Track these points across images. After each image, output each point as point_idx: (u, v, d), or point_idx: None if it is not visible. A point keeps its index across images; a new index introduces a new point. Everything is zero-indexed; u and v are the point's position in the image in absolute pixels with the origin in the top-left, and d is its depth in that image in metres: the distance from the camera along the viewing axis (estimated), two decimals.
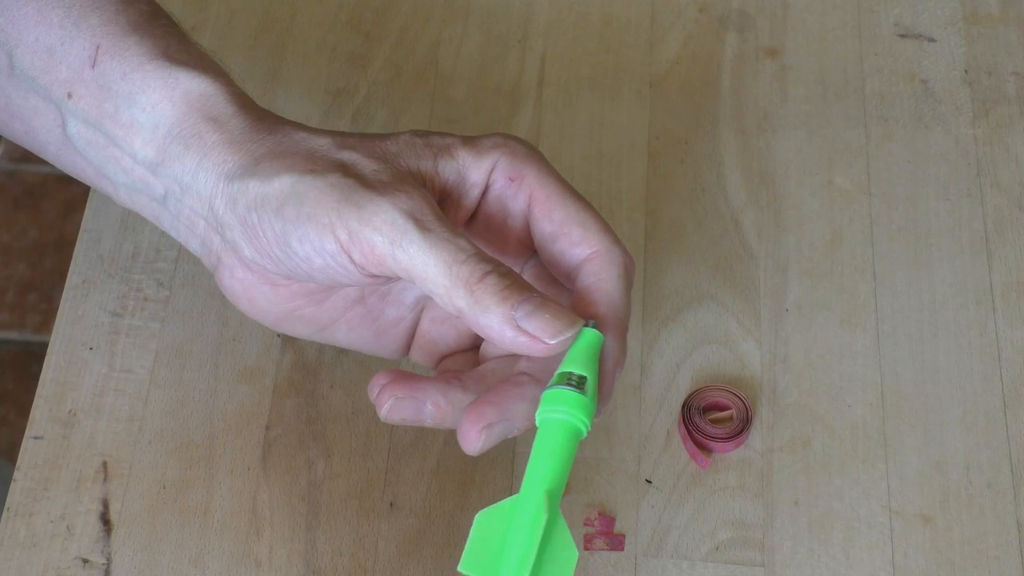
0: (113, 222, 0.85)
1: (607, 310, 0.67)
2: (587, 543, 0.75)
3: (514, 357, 0.69)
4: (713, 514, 0.76)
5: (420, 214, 0.65)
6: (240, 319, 0.81)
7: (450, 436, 0.78)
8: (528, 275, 0.71)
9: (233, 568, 0.74)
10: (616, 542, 0.75)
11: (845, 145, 0.89)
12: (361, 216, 0.64)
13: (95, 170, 0.70)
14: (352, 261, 0.65)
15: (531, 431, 0.66)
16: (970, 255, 0.85)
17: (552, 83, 0.91)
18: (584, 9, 0.94)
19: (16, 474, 0.77)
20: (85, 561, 0.74)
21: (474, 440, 0.65)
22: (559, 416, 0.64)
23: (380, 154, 0.68)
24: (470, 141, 0.69)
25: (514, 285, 0.64)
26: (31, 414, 0.79)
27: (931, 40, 0.93)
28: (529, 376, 0.67)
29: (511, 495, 0.76)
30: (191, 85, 0.68)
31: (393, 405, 0.67)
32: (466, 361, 0.71)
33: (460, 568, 0.64)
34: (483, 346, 0.71)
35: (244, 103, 0.69)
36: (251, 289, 0.69)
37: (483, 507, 0.75)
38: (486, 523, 0.64)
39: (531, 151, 0.70)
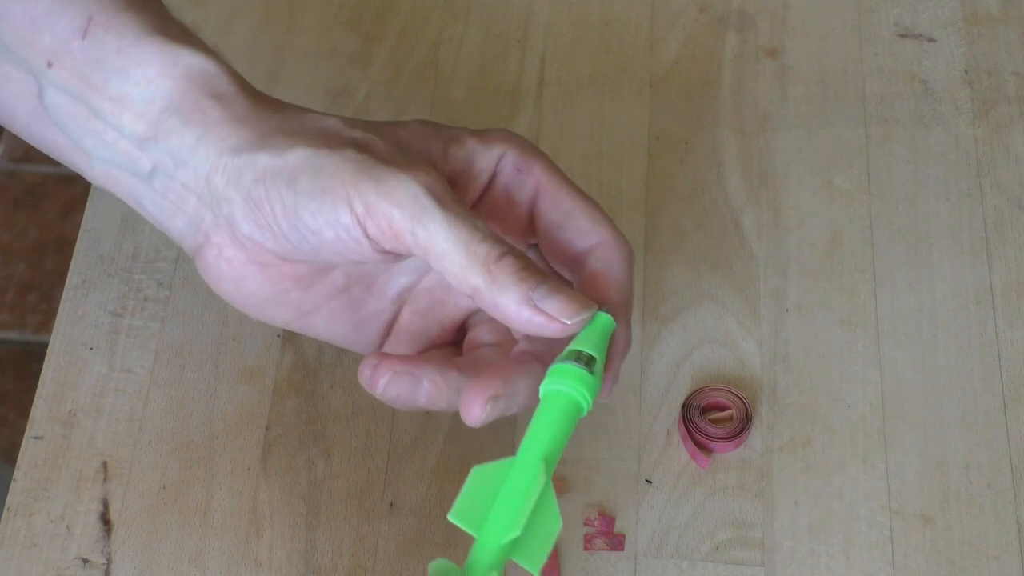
0: (113, 222, 0.85)
1: (616, 295, 0.69)
2: (587, 543, 0.75)
3: (505, 345, 0.70)
4: (713, 514, 0.76)
5: (439, 191, 0.65)
6: (240, 319, 0.81)
7: (450, 436, 0.78)
8: None
9: (233, 568, 0.74)
10: (616, 542, 0.75)
11: (845, 145, 0.89)
12: (380, 190, 0.65)
13: (71, 143, 0.70)
14: (366, 235, 0.66)
15: (529, 412, 0.66)
16: (970, 255, 0.85)
17: (552, 83, 0.91)
18: (584, 9, 0.94)
19: (16, 474, 0.77)
20: (85, 561, 0.74)
21: (479, 411, 0.66)
22: (564, 390, 0.65)
23: (390, 137, 0.68)
24: (478, 132, 0.71)
25: (530, 267, 0.65)
26: (31, 414, 0.79)
27: (931, 40, 0.93)
28: (531, 355, 0.68)
29: None
30: (192, 62, 0.68)
31: (390, 380, 0.67)
32: (448, 355, 0.71)
33: (450, 516, 0.64)
34: (469, 336, 0.72)
35: (245, 84, 0.69)
36: (238, 269, 0.69)
37: None
38: (480, 478, 0.65)
39: (535, 147, 0.72)
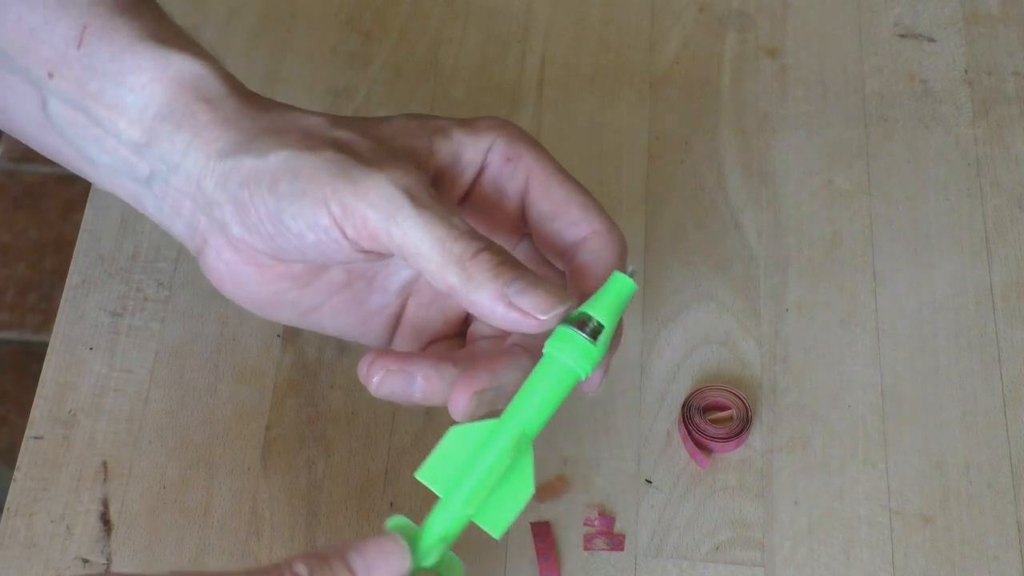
0: (113, 222, 0.85)
1: None
2: (587, 543, 0.75)
3: (503, 337, 0.70)
4: (713, 514, 0.76)
5: (415, 190, 0.65)
6: (240, 319, 0.81)
7: None
8: (519, 255, 0.71)
9: (233, 568, 0.74)
10: (616, 542, 0.75)
11: (845, 145, 0.89)
12: (356, 190, 0.65)
13: (75, 151, 0.70)
14: (345, 236, 0.65)
15: None
16: (970, 255, 0.85)
17: (552, 83, 0.91)
18: (584, 9, 0.94)
19: (16, 474, 0.77)
20: (85, 561, 0.74)
21: (464, 404, 0.65)
22: (562, 359, 0.64)
23: (374, 134, 0.68)
24: (466, 122, 0.70)
25: (507, 263, 0.65)
26: (31, 414, 0.79)
27: (931, 40, 0.93)
28: (522, 347, 0.68)
29: None
30: (183, 66, 0.68)
31: (384, 377, 0.67)
32: (451, 347, 0.71)
33: (417, 475, 0.64)
34: (470, 329, 0.71)
35: (235, 85, 0.69)
36: (236, 271, 0.69)
37: None
38: (456, 439, 0.65)
39: (526, 133, 0.71)
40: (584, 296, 0.66)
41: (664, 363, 0.81)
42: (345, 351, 0.80)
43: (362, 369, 0.68)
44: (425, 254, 0.64)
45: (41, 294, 1.76)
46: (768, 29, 0.93)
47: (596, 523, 0.76)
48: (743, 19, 0.94)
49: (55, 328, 0.81)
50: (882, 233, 0.85)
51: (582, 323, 0.65)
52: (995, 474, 0.77)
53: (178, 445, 0.78)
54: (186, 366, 0.80)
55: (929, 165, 0.88)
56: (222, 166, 0.67)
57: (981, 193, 0.87)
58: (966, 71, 0.92)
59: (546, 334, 0.66)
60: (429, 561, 0.64)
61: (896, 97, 0.90)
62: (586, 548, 0.75)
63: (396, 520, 0.64)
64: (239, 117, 0.68)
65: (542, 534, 0.75)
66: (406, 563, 0.63)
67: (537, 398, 0.65)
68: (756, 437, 0.79)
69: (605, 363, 0.67)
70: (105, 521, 0.75)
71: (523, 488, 0.65)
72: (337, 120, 0.68)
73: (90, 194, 0.86)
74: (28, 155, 1.85)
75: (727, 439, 0.78)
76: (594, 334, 0.64)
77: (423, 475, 0.64)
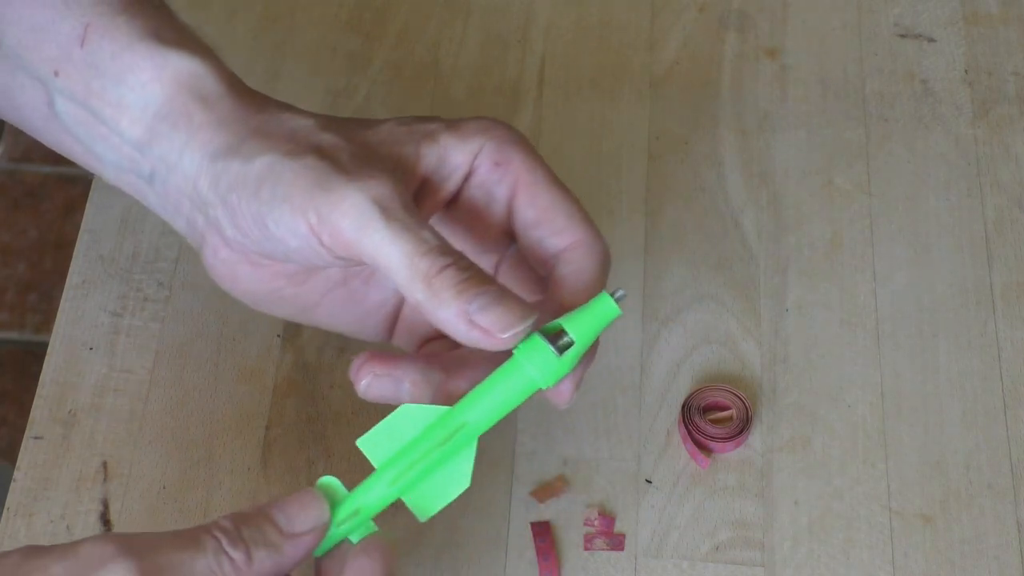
0: (113, 222, 0.85)
1: (584, 300, 0.67)
2: (587, 543, 0.75)
3: None
4: (713, 514, 0.76)
5: (388, 202, 0.65)
6: (240, 319, 0.81)
7: None
8: (508, 263, 0.71)
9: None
10: (616, 542, 0.75)
11: (845, 145, 0.89)
12: (330, 200, 0.65)
13: (83, 148, 0.71)
14: (322, 244, 0.66)
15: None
16: (970, 255, 0.85)
17: (552, 83, 0.91)
18: (584, 9, 0.94)
19: (16, 474, 0.77)
20: None
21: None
22: (527, 368, 0.64)
23: (360, 140, 0.68)
24: (454, 125, 0.69)
25: (472, 279, 0.64)
26: (31, 414, 0.79)
27: (931, 40, 0.93)
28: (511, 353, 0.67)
29: (510, 497, 0.76)
30: (180, 65, 0.68)
31: (371, 382, 0.67)
32: (448, 346, 0.71)
33: (358, 442, 0.65)
34: None
35: (233, 83, 0.69)
36: (234, 268, 0.69)
37: (482, 507, 0.76)
38: (404, 417, 0.65)
39: (517, 136, 0.70)
40: (559, 309, 0.66)
41: (664, 363, 0.81)
42: (345, 351, 0.80)
43: (352, 371, 0.68)
44: (394, 267, 0.64)
45: (41, 294, 1.76)
46: (768, 29, 0.93)
47: (596, 523, 0.76)
48: (743, 19, 0.94)
49: (55, 328, 0.81)
50: (882, 233, 0.85)
51: (556, 336, 0.65)
52: (995, 474, 0.77)
53: (178, 445, 0.78)
54: (186, 366, 0.80)
55: (929, 165, 0.88)
56: (214, 168, 0.67)
57: (981, 193, 0.87)
58: (966, 71, 0.92)
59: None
60: (341, 528, 0.65)
61: (896, 97, 0.90)
62: (586, 548, 0.75)
63: (326, 480, 0.65)
64: (233, 118, 0.68)
65: (542, 534, 0.75)
66: (324, 515, 0.64)
67: (492, 397, 0.65)
68: (756, 437, 0.79)
69: (577, 378, 0.66)
70: (105, 521, 0.75)
71: (459, 479, 0.65)
72: (327, 123, 0.68)
73: (90, 194, 0.86)
74: (28, 155, 1.85)
75: (727, 439, 0.78)
76: (563, 349, 0.64)
77: (364, 443, 0.65)
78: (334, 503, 0.65)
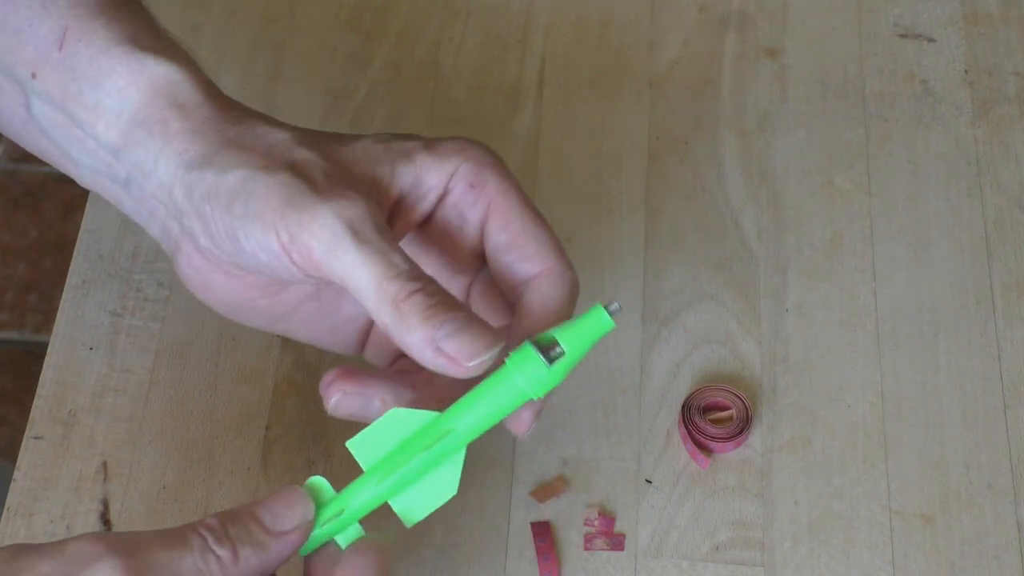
0: (113, 222, 0.85)
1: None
2: (587, 543, 0.75)
3: None
4: (713, 514, 0.76)
5: (359, 223, 0.64)
6: None
7: None
8: (481, 284, 0.71)
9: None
10: (616, 542, 0.75)
11: (845, 145, 0.89)
12: (301, 220, 0.65)
13: (59, 150, 0.71)
14: (292, 262, 0.66)
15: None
16: (970, 255, 0.85)
17: (552, 83, 0.91)
18: (584, 9, 0.94)
19: (16, 474, 0.77)
20: None
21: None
22: (517, 378, 0.64)
23: (336, 158, 0.67)
24: (431, 145, 0.69)
25: (440, 304, 0.64)
26: (31, 414, 0.79)
27: (931, 40, 0.93)
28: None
29: (510, 497, 0.76)
30: (157, 71, 0.68)
31: (340, 400, 0.67)
32: (415, 366, 0.71)
33: (347, 443, 0.65)
34: None
35: (210, 91, 0.69)
36: (207, 277, 0.69)
37: (482, 507, 0.76)
38: (394, 421, 0.65)
39: (493, 158, 0.69)
40: (524, 336, 0.66)
41: (664, 363, 0.81)
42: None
43: (321, 387, 0.68)
44: (363, 290, 0.64)
45: (41, 294, 1.76)
46: (768, 29, 0.93)
47: (596, 523, 0.76)
48: (743, 19, 0.94)
49: (55, 328, 0.81)
50: (882, 233, 0.85)
51: (548, 346, 0.64)
52: (995, 474, 0.77)
53: (178, 445, 0.78)
54: (186, 366, 0.80)
55: (929, 165, 0.88)
56: (188, 178, 0.67)
57: (981, 193, 0.87)
58: (966, 71, 0.92)
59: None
60: (326, 528, 0.65)
61: (896, 97, 0.90)
62: (586, 548, 0.75)
63: (314, 480, 0.65)
64: (209, 127, 0.68)
65: (542, 534, 0.75)
66: (309, 513, 0.64)
67: (481, 405, 0.65)
68: (756, 437, 0.79)
69: (537, 408, 0.66)
70: (105, 521, 0.75)
71: (447, 486, 0.65)
72: (303, 138, 0.68)
73: (90, 194, 0.86)
74: (28, 155, 1.84)
75: (727, 439, 0.78)
76: (554, 359, 0.64)
77: (353, 445, 0.65)
78: (320, 503, 0.65)
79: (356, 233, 0.64)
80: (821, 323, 0.82)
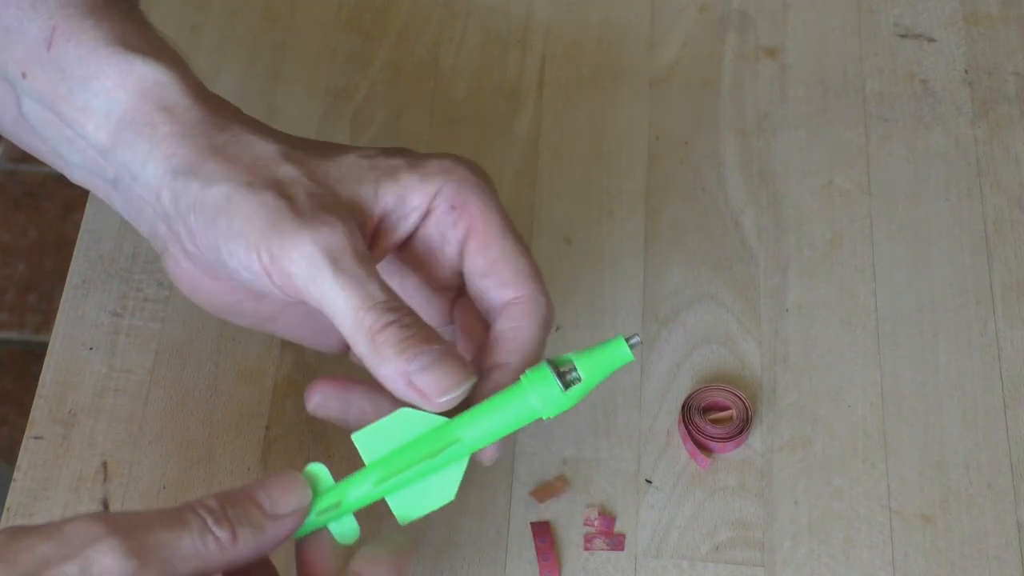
0: (113, 222, 0.85)
1: (518, 359, 0.67)
2: (587, 543, 0.75)
3: None
4: (713, 514, 0.76)
5: (339, 252, 0.65)
6: None
7: None
8: (464, 301, 0.71)
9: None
10: (616, 542, 0.75)
11: (845, 145, 0.89)
12: (283, 245, 0.65)
13: (50, 149, 0.71)
14: (273, 283, 0.66)
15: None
16: (970, 255, 0.85)
17: (552, 83, 0.91)
18: (584, 9, 0.94)
19: (16, 474, 0.77)
20: None
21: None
22: (531, 396, 0.65)
23: (320, 176, 0.67)
24: (416, 164, 0.69)
25: (414, 337, 0.64)
26: (31, 414, 0.79)
27: (931, 40, 0.93)
28: None
29: (510, 497, 0.76)
30: (145, 72, 0.68)
31: (319, 402, 0.68)
32: None
33: (353, 436, 0.66)
34: None
35: (199, 93, 0.69)
36: (194, 280, 0.70)
37: (482, 507, 0.76)
38: (402, 420, 0.65)
39: (478, 180, 0.69)
40: (493, 365, 0.66)
41: (664, 363, 0.81)
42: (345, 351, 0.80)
43: (306, 392, 0.69)
44: (339, 319, 0.65)
45: (41, 294, 1.76)
46: (768, 29, 0.93)
47: (596, 523, 0.76)
48: (743, 19, 0.94)
49: (55, 328, 0.81)
50: (882, 233, 0.85)
51: (565, 370, 0.65)
52: (995, 474, 0.77)
53: (178, 445, 0.78)
54: (186, 366, 0.80)
55: (929, 165, 0.88)
56: (175, 185, 0.67)
57: (981, 193, 0.87)
58: (966, 71, 0.92)
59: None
60: (320, 518, 0.65)
61: (896, 97, 0.90)
62: (586, 548, 0.75)
63: (314, 466, 0.66)
64: (197, 133, 0.68)
65: (542, 534, 0.75)
66: (306, 499, 0.64)
67: (491, 418, 0.65)
68: (756, 437, 0.79)
69: (504, 443, 0.66)
70: None
71: (445, 491, 0.66)
72: (289, 151, 0.68)
73: (90, 194, 0.86)
74: (28, 155, 1.85)
75: (727, 439, 0.78)
76: (569, 384, 0.65)
77: (358, 438, 0.66)
78: (318, 491, 0.65)
79: (335, 261, 0.65)
80: (821, 323, 0.82)
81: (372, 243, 0.68)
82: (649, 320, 0.82)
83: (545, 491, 0.77)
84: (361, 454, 0.65)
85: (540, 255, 0.84)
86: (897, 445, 0.78)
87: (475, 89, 0.91)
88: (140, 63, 0.68)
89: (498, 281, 0.68)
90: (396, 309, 0.65)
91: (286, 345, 0.81)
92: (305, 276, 0.65)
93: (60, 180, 1.83)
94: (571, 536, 0.75)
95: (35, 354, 1.72)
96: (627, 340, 0.65)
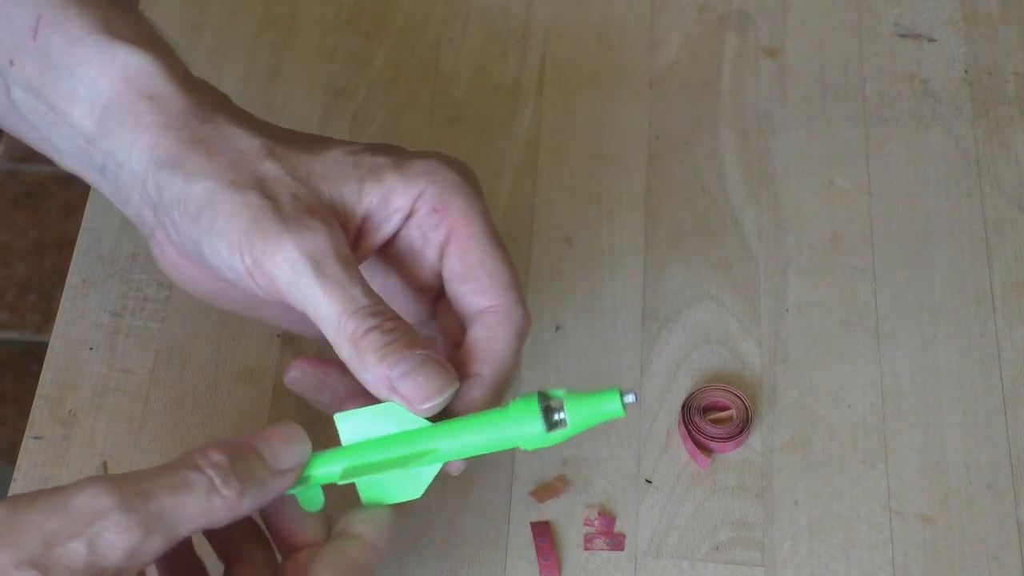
0: (113, 222, 0.85)
1: (491, 370, 0.67)
2: (587, 543, 0.75)
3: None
4: (713, 514, 0.76)
5: (321, 256, 0.65)
6: (240, 319, 0.81)
7: None
8: (443, 308, 0.71)
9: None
10: (616, 542, 0.75)
11: (845, 145, 0.89)
12: (265, 248, 0.65)
13: (40, 135, 0.71)
14: (256, 284, 0.66)
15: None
16: (970, 255, 0.85)
17: (552, 83, 0.91)
18: (584, 9, 0.94)
19: (16, 474, 0.77)
20: None
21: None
22: (513, 426, 0.65)
23: (304, 174, 0.67)
24: (401, 164, 0.69)
25: (396, 342, 0.64)
26: (31, 414, 0.79)
27: (931, 40, 0.93)
28: None
29: (510, 497, 0.76)
30: (129, 61, 0.68)
31: (296, 377, 0.69)
32: None
33: (335, 415, 0.66)
34: None
35: (184, 82, 0.69)
36: (180, 267, 0.70)
37: (482, 507, 0.76)
38: (387, 412, 0.66)
39: (463, 182, 0.69)
40: (466, 373, 0.66)
41: (664, 363, 0.81)
42: None
43: (286, 367, 0.70)
44: (322, 323, 0.65)
45: (41, 294, 1.76)
46: (768, 29, 0.93)
47: (596, 523, 0.76)
48: (743, 19, 0.94)
49: (55, 328, 0.81)
50: (882, 233, 0.85)
51: (554, 407, 0.65)
52: (995, 474, 0.77)
53: (178, 445, 0.78)
54: (186, 366, 0.80)
55: (929, 165, 0.88)
56: (159, 176, 0.67)
57: (981, 193, 0.87)
58: (966, 71, 0.92)
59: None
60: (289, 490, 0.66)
61: (896, 97, 0.90)
62: (586, 548, 0.75)
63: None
64: (180, 124, 0.68)
65: (542, 534, 0.75)
66: (306, 453, 0.65)
67: (471, 436, 0.65)
68: (756, 437, 0.79)
69: (470, 460, 0.67)
70: None
71: (412, 488, 0.66)
72: (274, 146, 0.68)
73: (90, 194, 0.86)
74: (28, 155, 1.85)
75: (727, 439, 0.78)
76: (555, 426, 0.65)
77: (340, 419, 0.66)
78: None
79: (318, 266, 0.65)
80: (821, 323, 0.82)
81: (355, 243, 0.68)
82: (649, 320, 0.82)
83: (545, 491, 0.77)
84: (340, 434, 0.66)
85: (540, 255, 0.84)
86: (897, 445, 0.78)
87: (475, 89, 0.91)
88: (124, 51, 0.68)
89: (475, 288, 0.68)
90: (379, 314, 0.65)
91: (286, 345, 0.81)
92: (288, 280, 0.65)
93: (60, 180, 1.83)
94: (571, 536, 0.75)
95: (35, 354, 1.72)
96: (622, 395, 0.64)
